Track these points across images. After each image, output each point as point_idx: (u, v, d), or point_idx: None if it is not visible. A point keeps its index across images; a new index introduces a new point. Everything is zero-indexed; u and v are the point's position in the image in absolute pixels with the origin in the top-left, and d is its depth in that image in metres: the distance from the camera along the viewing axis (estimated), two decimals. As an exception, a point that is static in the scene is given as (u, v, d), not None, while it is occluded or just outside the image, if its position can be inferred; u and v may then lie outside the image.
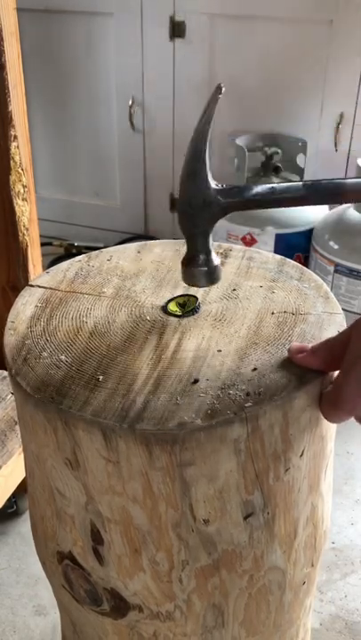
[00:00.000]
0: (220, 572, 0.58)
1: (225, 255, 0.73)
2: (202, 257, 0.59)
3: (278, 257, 0.73)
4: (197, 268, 0.59)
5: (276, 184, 0.57)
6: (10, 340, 0.60)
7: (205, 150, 0.55)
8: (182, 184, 0.57)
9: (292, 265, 0.71)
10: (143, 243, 0.77)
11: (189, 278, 0.61)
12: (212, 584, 0.59)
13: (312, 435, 0.57)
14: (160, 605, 0.60)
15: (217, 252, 0.74)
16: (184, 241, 0.76)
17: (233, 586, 0.60)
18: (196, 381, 0.53)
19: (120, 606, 0.61)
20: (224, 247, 0.75)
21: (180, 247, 0.75)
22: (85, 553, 0.60)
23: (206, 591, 0.59)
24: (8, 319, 0.63)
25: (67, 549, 0.62)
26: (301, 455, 0.57)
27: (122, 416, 0.50)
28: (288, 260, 0.72)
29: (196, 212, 0.57)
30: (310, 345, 0.56)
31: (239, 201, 0.57)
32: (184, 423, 0.49)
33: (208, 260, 0.59)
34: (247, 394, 0.52)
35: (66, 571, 0.64)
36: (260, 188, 0.56)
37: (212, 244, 0.60)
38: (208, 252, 0.59)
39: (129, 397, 0.52)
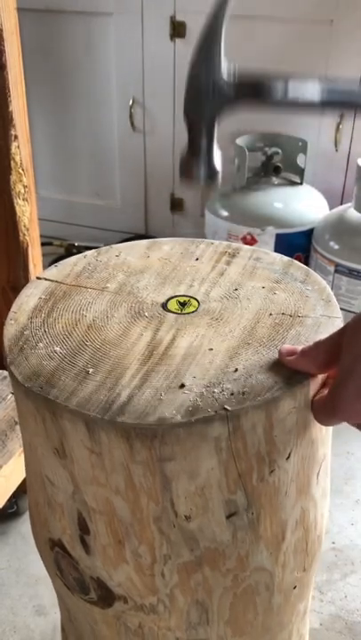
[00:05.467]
0: (202, 569, 0.58)
1: (232, 255, 0.74)
2: (203, 148, 0.54)
3: (286, 258, 0.73)
4: (197, 165, 0.54)
5: (292, 81, 0.51)
6: (9, 329, 0.62)
7: (222, 30, 0.51)
8: (192, 67, 0.52)
9: (298, 267, 0.71)
10: (153, 240, 0.77)
11: (187, 174, 0.55)
12: (194, 580, 0.59)
13: (300, 438, 0.56)
14: (144, 598, 0.60)
15: (225, 252, 0.75)
16: (193, 240, 0.78)
17: (217, 584, 0.60)
18: (182, 386, 0.53)
19: (106, 596, 0.62)
20: (233, 247, 0.75)
21: (190, 246, 0.76)
22: (73, 541, 0.61)
23: (189, 587, 0.60)
24: (11, 309, 0.64)
25: (57, 537, 0.63)
26: (288, 458, 0.56)
27: (105, 408, 0.51)
28: (295, 261, 0.72)
29: (203, 98, 0.52)
30: (301, 347, 0.55)
31: (249, 85, 0.52)
32: (164, 418, 0.50)
33: (209, 159, 0.54)
34: (231, 393, 0.52)
35: (57, 558, 0.65)
36: (275, 83, 0.52)
37: (217, 146, 0.54)
38: (210, 149, 0.54)
39: (115, 391, 0.53)
